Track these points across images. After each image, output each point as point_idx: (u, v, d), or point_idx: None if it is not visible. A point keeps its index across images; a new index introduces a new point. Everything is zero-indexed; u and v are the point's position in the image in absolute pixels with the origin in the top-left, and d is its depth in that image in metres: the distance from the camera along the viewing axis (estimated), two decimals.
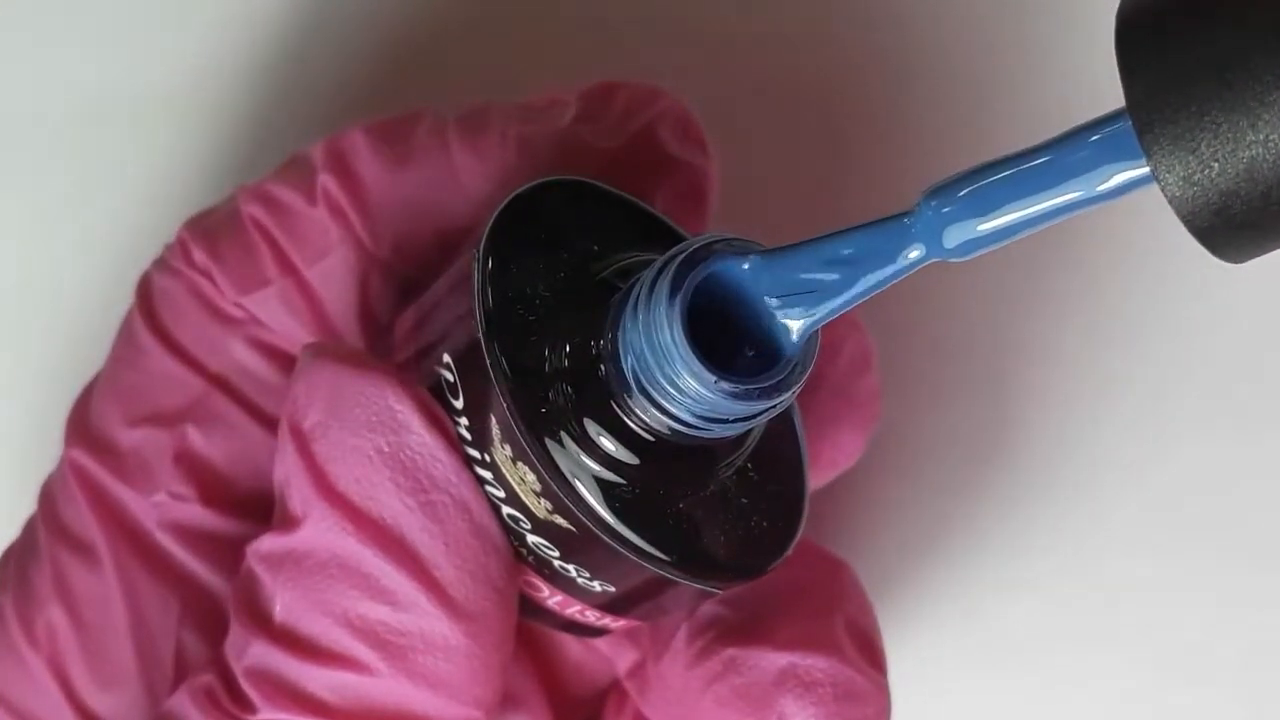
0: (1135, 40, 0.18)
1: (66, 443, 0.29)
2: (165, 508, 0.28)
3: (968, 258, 0.21)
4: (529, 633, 0.28)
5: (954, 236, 0.21)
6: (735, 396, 0.22)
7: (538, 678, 0.29)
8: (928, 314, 0.34)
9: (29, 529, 0.29)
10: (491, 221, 0.24)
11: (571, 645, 0.30)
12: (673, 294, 0.22)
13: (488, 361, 0.23)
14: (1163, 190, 0.18)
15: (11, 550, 0.30)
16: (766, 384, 0.22)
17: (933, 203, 0.21)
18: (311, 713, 0.25)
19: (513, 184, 0.27)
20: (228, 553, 0.28)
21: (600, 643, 0.29)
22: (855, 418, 0.29)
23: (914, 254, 0.21)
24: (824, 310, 0.22)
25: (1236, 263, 0.19)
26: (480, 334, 0.23)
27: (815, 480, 0.28)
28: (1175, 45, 0.18)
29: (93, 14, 0.34)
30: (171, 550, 0.28)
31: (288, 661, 0.25)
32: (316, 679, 0.25)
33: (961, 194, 0.20)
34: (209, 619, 0.28)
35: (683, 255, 0.22)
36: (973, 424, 0.35)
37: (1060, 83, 0.34)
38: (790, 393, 0.22)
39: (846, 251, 0.22)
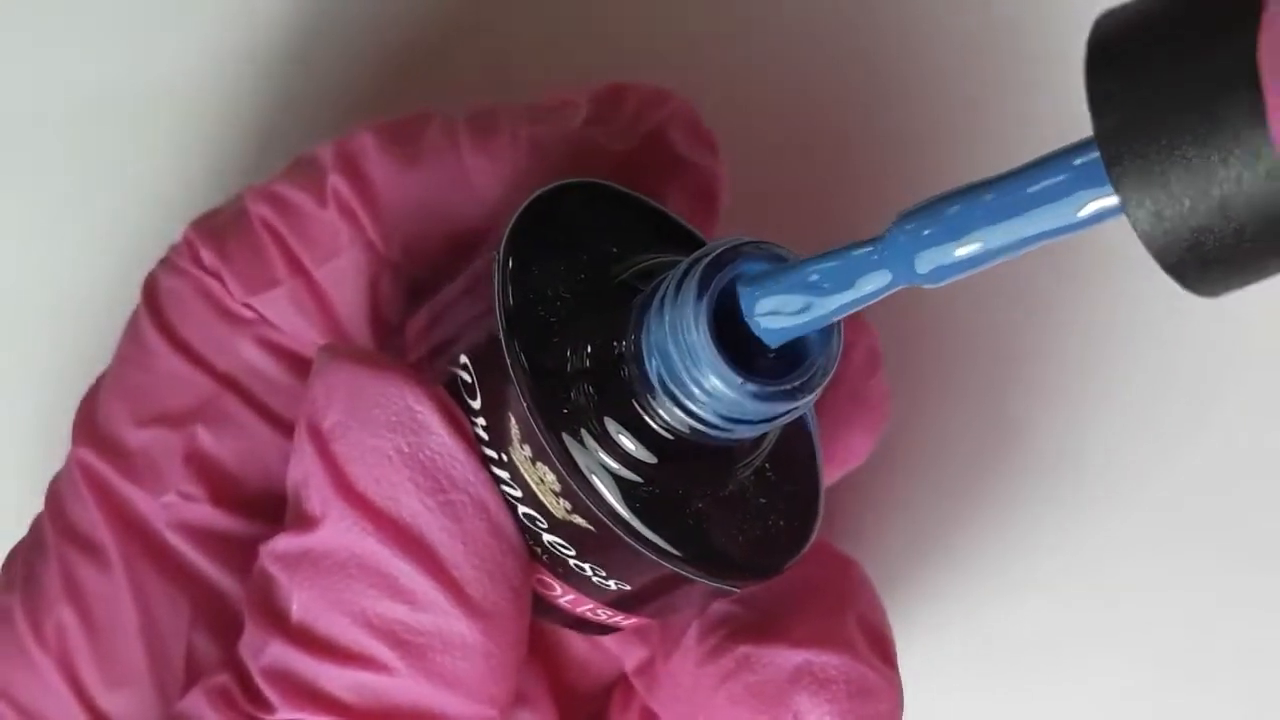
0: (1105, 72, 0.18)
1: (73, 443, 0.29)
2: (175, 508, 0.28)
3: (940, 284, 0.21)
4: (534, 629, 0.28)
5: (926, 263, 0.20)
6: (760, 398, 0.22)
7: (543, 674, 0.30)
8: (934, 316, 0.34)
9: (36, 528, 0.29)
10: (512, 222, 0.24)
11: (576, 642, 0.30)
12: (700, 295, 0.22)
13: (508, 361, 0.23)
14: (1133, 225, 0.18)
15: (18, 550, 0.30)
16: (791, 385, 0.22)
17: (906, 228, 0.20)
18: (329, 712, 0.25)
19: (525, 186, 0.27)
20: (238, 553, 0.28)
21: (607, 640, 0.29)
22: (866, 419, 0.29)
23: (883, 281, 0.21)
24: (794, 332, 0.22)
25: (1210, 296, 0.19)
26: (501, 333, 0.24)
27: (825, 479, 0.28)
28: (1146, 78, 0.18)
29: (93, 14, 0.34)
30: (182, 551, 0.28)
31: (305, 661, 0.25)
32: (335, 678, 0.25)
33: (933, 220, 0.20)
34: (219, 620, 0.28)
35: (710, 257, 0.22)
36: (978, 425, 0.35)
37: (1063, 90, 0.34)
38: (814, 394, 0.23)
39: (815, 278, 0.22)
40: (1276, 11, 0.16)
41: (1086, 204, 0.19)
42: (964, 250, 0.20)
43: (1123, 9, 0.18)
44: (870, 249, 0.21)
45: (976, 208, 0.20)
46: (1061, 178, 0.19)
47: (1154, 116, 0.17)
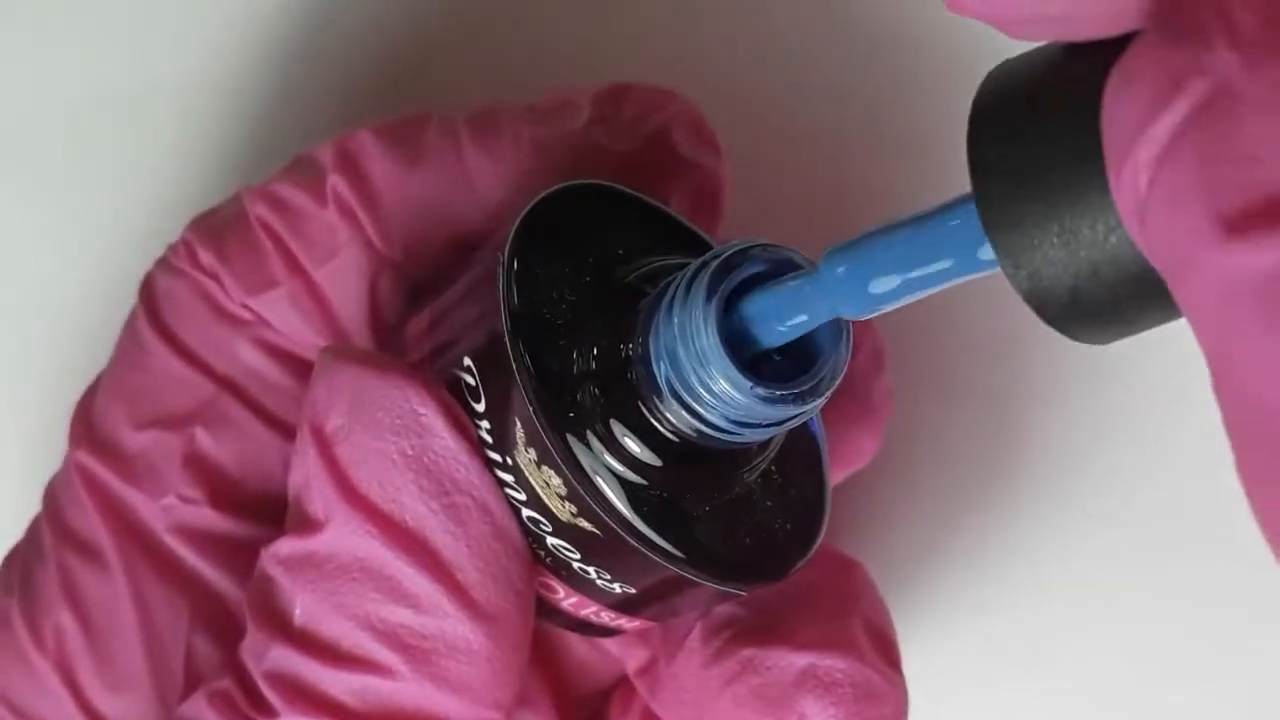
0: (982, 139, 0.19)
1: (71, 445, 0.29)
2: (174, 511, 0.28)
3: (863, 317, 0.22)
4: (534, 631, 0.28)
5: (849, 298, 0.21)
6: (769, 402, 0.22)
7: (543, 676, 0.29)
8: (935, 318, 0.34)
9: (33, 531, 0.29)
10: (517, 224, 0.24)
11: (576, 643, 0.30)
12: (709, 298, 0.22)
13: (513, 363, 0.23)
14: (1011, 284, 0.18)
15: (15, 553, 0.29)
16: (800, 389, 0.22)
17: (831, 263, 0.21)
18: (333, 716, 0.25)
19: (527, 187, 0.27)
20: (238, 556, 0.28)
21: (608, 642, 0.29)
22: (870, 419, 0.29)
23: (812, 314, 0.22)
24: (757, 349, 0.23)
25: (1100, 344, 0.19)
26: (506, 335, 0.23)
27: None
28: (1019, 147, 0.18)
29: (93, 14, 0.34)
30: (181, 554, 0.28)
31: (309, 665, 0.25)
32: (338, 682, 0.25)
33: (856, 257, 0.21)
34: (219, 623, 0.28)
35: (719, 259, 0.22)
36: (979, 427, 0.35)
37: None
38: (822, 398, 0.23)
39: (760, 309, 0.22)
40: (1113, 93, 0.17)
41: (986, 252, 0.19)
42: (880, 288, 0.21)
43: (998, 79, 0.19)
44: (803, 284, 0.22)
45: (890, 249, 0.21)
46: (961, 225, 0.20)
47: (1026, 183, 0.18)
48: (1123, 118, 0.16)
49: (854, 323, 0.23)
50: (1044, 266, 0.18)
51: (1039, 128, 0.18)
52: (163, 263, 0.29)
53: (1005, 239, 0.18)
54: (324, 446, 0.25)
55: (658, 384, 0.23)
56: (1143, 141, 0.16)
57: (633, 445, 0.24)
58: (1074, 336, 0.19)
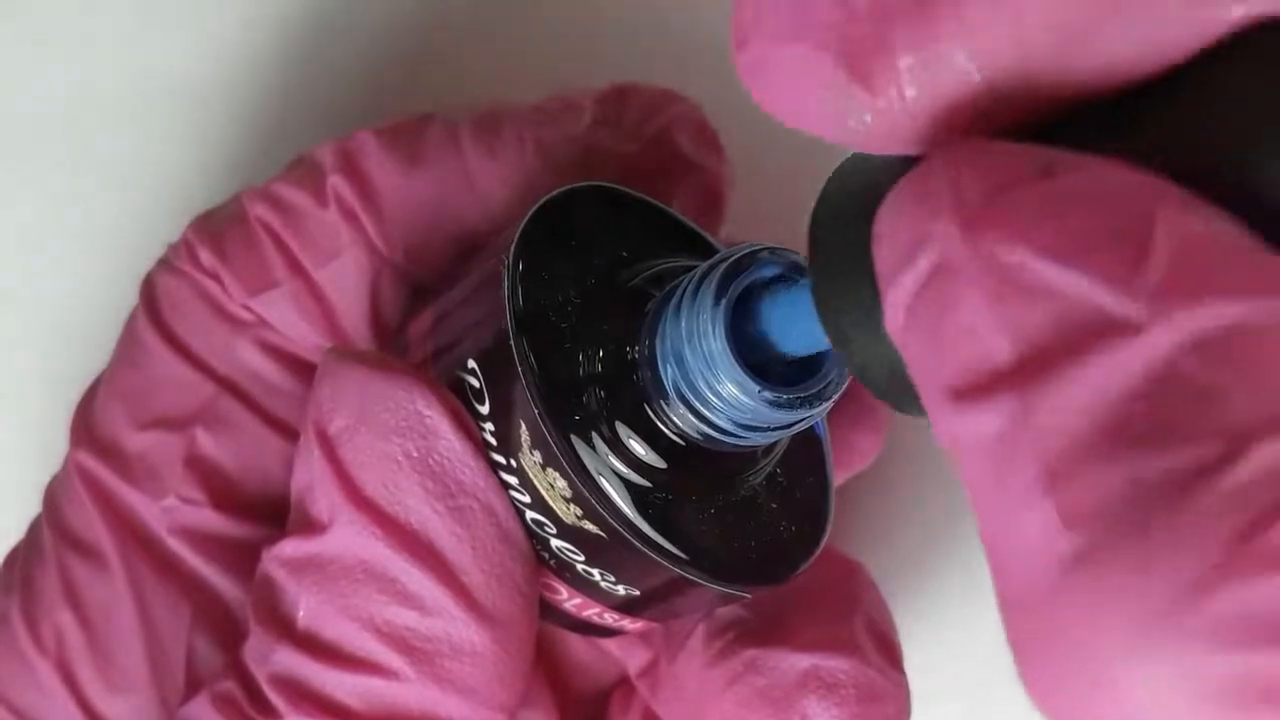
0: (815, 231, 0.20)
1: (71, 446, 0.29)
2: (176, 512, 0.28)
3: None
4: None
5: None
6: (776, 405, 0.22)
7: (544, 676, 0.29)
8: None
9: (33, 532, 0.29)
10: (522, 225, 0.24)
11: (576, 644, 0.30)
12: (717, 301, 0.22)
13: (518, 365, 0.23)
14: (850, 368, 0.20)
15: (15, 553, 0.29)
16: (808, 393, 0.22)
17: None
18: (337, 718, 0.25)
19: (530, 189, 0.27)
20: (239, 557, 0.28)
21: (610, 642, 0.29)
22: (872, 421, 0.29)
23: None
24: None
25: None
26: (511, 337, 0.23)
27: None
28: (840, 244, 0.19)
29: (94, 14, 0.34)
30: (182, 555, 0.28)
31: (313, 667, 0.25)
32: (342, 685, 0.25)
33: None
34: (221, 624, 0.28)
35: (727, 263, 0.22)
36: None
37: None
38: (829, 402, 0.23)
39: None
40: (878, 229, 0.17)
41: None
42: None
43: (841, 175, 0.20)
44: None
45: (776, 319, 0.22)
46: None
47: (847, 279, 0.19)
48: (882, 258, 0.17)
49: None
50: (866, 355, 0.19)
51: (860, 227, 0.18)
52: (163, 263, 0.29)
53: (832, 326, 0.19)
54: (329, 448, 0.25)
55: (664, 387, 0.23)
56: (895, 285, 0.16)
57: (638, 448, 0.24)
58: (906, 413, 0.20)
